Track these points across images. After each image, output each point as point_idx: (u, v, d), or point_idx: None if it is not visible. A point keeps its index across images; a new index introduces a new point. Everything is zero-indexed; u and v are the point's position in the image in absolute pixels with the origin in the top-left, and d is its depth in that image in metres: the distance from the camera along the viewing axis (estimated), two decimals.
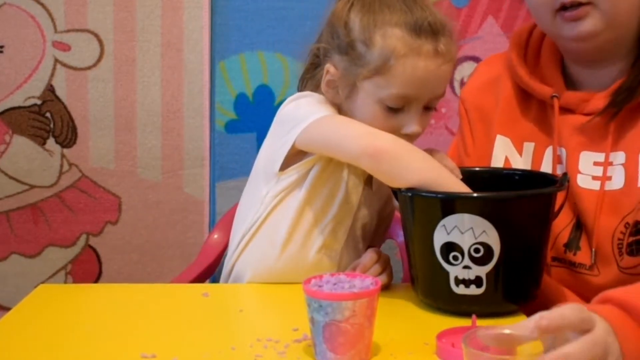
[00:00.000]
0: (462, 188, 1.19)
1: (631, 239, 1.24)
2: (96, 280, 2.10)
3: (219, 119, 2.07)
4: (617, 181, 1.26)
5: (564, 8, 1.23)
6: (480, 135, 1.44)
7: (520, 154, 1.37)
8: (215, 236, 1.73)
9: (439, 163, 1.22)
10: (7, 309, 1.81)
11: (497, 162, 1.39)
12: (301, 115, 1.27)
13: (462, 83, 2.08)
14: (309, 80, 1.37)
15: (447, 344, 0.99)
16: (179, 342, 1.05)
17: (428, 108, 1.29)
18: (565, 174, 1.21)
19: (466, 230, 1.10)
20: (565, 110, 1.32)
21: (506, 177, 1.30)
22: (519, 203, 1.13)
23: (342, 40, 1.28)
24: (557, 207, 1.22)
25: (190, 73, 2.04)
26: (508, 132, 1.39)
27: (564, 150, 1.31)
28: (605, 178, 1.26)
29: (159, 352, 1.00)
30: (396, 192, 1.20)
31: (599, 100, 1.28)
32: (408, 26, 1.23)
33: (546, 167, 1.34)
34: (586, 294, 1.25)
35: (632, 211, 1.24)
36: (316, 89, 1.35)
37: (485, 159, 1.41)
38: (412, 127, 1.26)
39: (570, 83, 1.35)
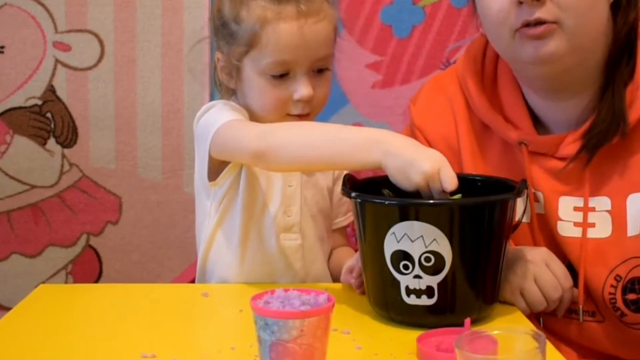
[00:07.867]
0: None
1: (633, 296, 1.18)
2: (96, 280, 2.10)
3: None
4: (602, 229, 1.19)
5: (526, 25, 1.12)
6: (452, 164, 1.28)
7: None
8: None
9: (330, 126, 1.18)
10: (7, 309, 1.81)
11: None
12: (210, 124, 1.27)
13: None
14: (221, 84, 1.39)
15: (430, 347, 0.97)
16: (179, 342, 1.05)
17: (320, 70, 1.31)
18: (524, 181, 1.13)
19: (416, 238, 1.04)
20: (536, 153, 1.23)
21: (469, 183, 1.16)
22: (471, 211, 1.06)
23: (218, 24, 1.33)
24: (517, 216, 1.16)
25: (190, 73, 2.05)
26: (476, 169, 1.29)
27: (540, 194, 1.23)
28: (586, 225, 1.19)
29: (159, 352, 1.00)
30: (347, 195, 1.12)
31: (570, 145, 1.19)
32: None
33: (521, 209, 1.21)
34: (583, 342, 1.24)
35: (622, 263, 1.17)
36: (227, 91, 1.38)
37: None
38: (301, 91, 1.28)
39: (534, 117, 1.25)
